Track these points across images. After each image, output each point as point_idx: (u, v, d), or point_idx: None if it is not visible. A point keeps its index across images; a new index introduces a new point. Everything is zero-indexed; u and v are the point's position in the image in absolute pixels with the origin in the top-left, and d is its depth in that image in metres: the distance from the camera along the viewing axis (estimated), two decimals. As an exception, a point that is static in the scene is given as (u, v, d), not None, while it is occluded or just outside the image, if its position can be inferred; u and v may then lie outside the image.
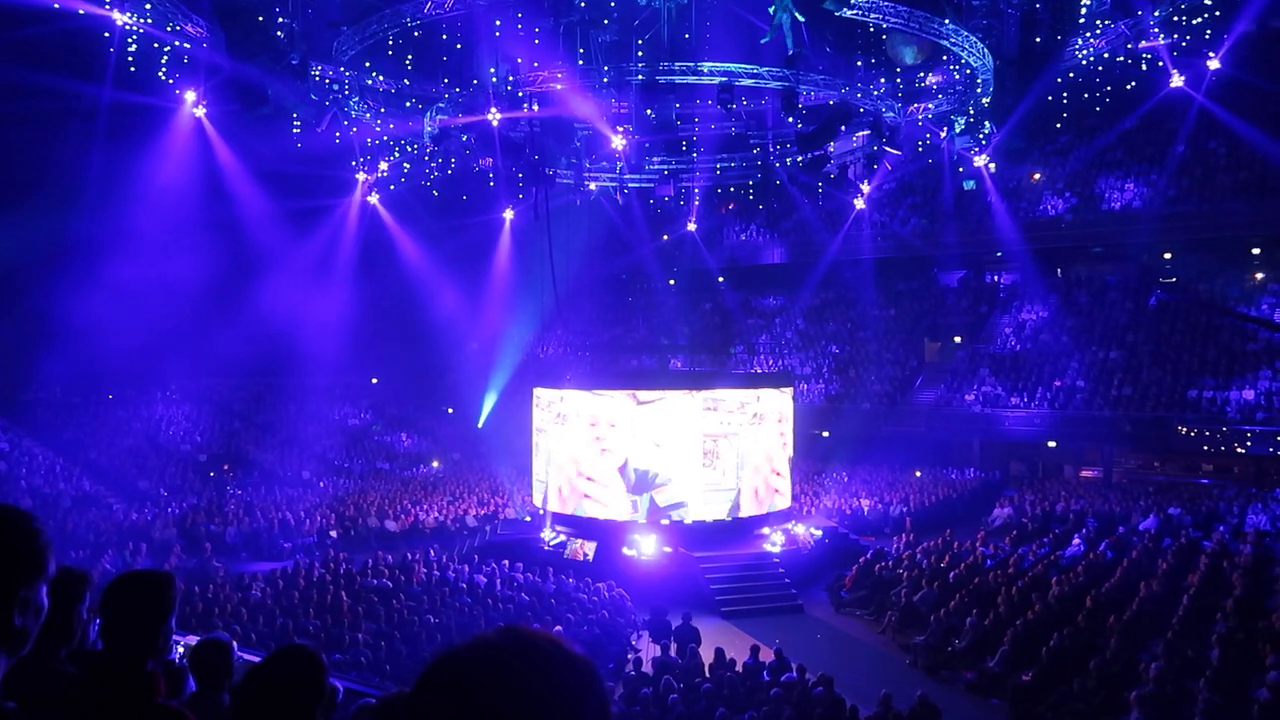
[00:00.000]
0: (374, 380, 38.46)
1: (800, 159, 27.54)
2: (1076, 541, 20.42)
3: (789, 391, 22.46)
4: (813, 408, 32.47)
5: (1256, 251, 31.62)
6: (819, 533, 21.46)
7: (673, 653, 13.86)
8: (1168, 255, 33.26)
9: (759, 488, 20.69)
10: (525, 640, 1.13)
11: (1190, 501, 24.14)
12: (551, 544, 20.34)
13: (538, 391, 22.29)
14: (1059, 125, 33.03)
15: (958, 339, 35.20)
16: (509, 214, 33.97)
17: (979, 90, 23.74)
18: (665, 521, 19.66)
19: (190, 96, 22.08)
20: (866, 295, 36.63)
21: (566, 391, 20.94)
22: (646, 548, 18.88)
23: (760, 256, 41.72)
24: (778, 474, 21.28)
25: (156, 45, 19.93)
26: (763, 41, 20.99)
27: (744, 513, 20.28)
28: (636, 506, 19.76)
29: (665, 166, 28.89)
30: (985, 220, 34.47)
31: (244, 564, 19.91)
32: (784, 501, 21.59)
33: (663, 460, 19.81)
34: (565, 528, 20.72)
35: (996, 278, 37.35)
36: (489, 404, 33.89)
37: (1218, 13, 22.07)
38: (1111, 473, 29.26)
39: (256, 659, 2.95)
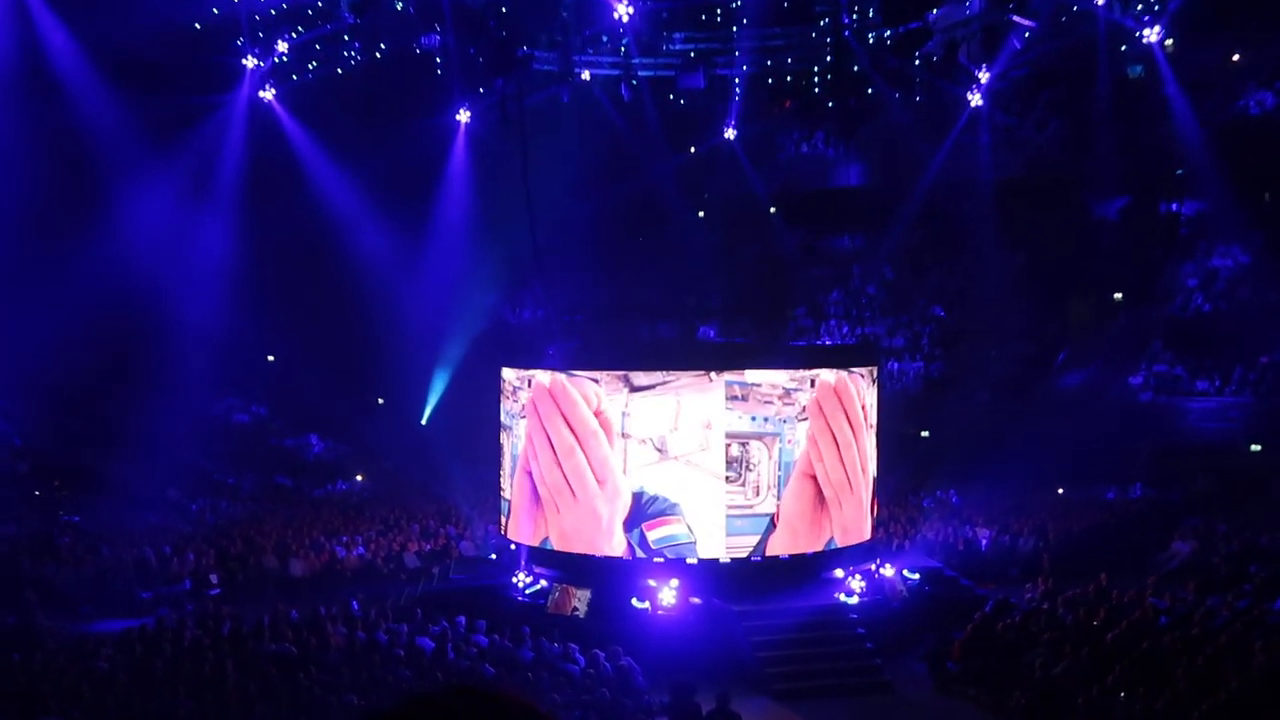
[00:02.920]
0: (270, 358, 38.50)
1: (888, 34, 27.31)
2: (1290, 589, 20.30)
3: (870, 372, 22.33)
4: (906, 396, 32.39)
5: None
6: (915, 576, 21.42)
7: (703, 748, 13.85)
8: None
9: (811, 512, 20.53)
10: (484, 702, 1.09)
11: None
12: (528, 592, 20.41)
13: (506, 374, 22.26)
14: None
15: (1118, 296, 35.01)
16: (464, 116, 33.83)
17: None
18: (692, 560, 19.65)
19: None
20: (984, 234, 36.41)
21: (535, 374, 20.85)
22: (665, 598, 18.89)
23: (830, 177, 41.51)
24: (850, 491, 21.15)
25: None
26: None
27: (779, 549, 20.20)
28: (632, 548, 19.75)
29: (692, 47, 28.73)
30: (1159, 123, 34.12)
31: (85, 621, 19.99)
32: (860, 531, 21.50)
33: (666, 476, 19.73)
34: (547, 569, 20.73)
35: (1175, 207, 37.05)
36: (437, 392, 33.89)
37: None
38: (1342, 490, 29.11)
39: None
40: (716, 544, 19.83)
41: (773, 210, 41.37)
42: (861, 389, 21.54)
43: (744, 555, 19.96)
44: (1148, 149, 34.79)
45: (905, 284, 39.03)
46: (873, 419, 22.02)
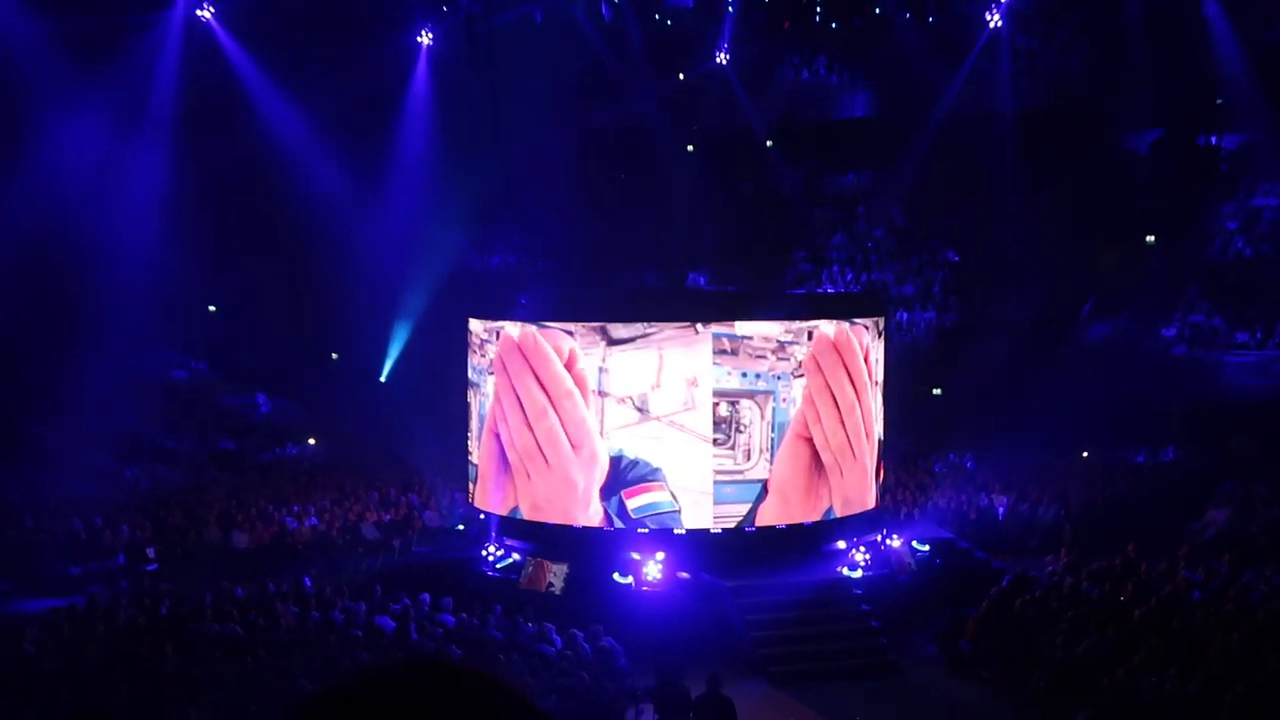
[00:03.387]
0: (211, 308, 38.35)
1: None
2: (1336, 561, 20.44)
3: (875, 323, 22.31)
4: (916, 349, 32.34)
5: None
6: (925, 548, 21.58)
7: (692, 737, 13.93)
8: None
9: (806, 479, 20.54)
10: (448, 678, 1.07)
11: None
12: (499, 567, 20.48)
13: (474, 325, 22.19)
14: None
15: (1150, 239, 34.97)
16: (426, 38, 33.53)
17: None
18: (679, 531, 19.69)
19: None
20: (1003, 170, 36.28)
21: (504, 325, 20.77)
22: (649, 572, 18.93)
23: (834, 107, 41.25)
24: (851, 457, 21.15)
25: None
26: None
27: (770, 519, 20.21)
28: (610, 518, 19.77)
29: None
30: (1197, 47, 34.00)
31: (7, 601, 20.01)
32: (862, 500, 21.55)
33: (647, 438, 19.71)
34: (520, 541, 20.77)
35: (1214, 140, 37.00)
36: (397, 346, 33.78)
37: None
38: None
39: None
40: (703, 513, 19.83)
41: (770, 144, 41.09)
42: (865, 341, 21.47)
43: (734, 525, 19.98)
44: (1184, 76, 34.61)
45: (916, 226, 38.88)
46: (878, 375, 22.03)
